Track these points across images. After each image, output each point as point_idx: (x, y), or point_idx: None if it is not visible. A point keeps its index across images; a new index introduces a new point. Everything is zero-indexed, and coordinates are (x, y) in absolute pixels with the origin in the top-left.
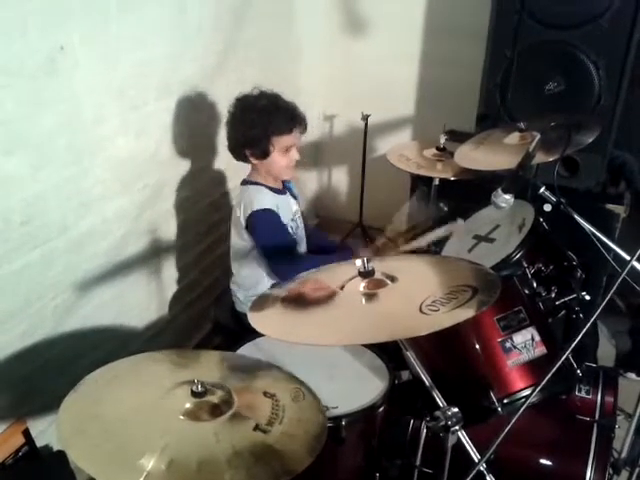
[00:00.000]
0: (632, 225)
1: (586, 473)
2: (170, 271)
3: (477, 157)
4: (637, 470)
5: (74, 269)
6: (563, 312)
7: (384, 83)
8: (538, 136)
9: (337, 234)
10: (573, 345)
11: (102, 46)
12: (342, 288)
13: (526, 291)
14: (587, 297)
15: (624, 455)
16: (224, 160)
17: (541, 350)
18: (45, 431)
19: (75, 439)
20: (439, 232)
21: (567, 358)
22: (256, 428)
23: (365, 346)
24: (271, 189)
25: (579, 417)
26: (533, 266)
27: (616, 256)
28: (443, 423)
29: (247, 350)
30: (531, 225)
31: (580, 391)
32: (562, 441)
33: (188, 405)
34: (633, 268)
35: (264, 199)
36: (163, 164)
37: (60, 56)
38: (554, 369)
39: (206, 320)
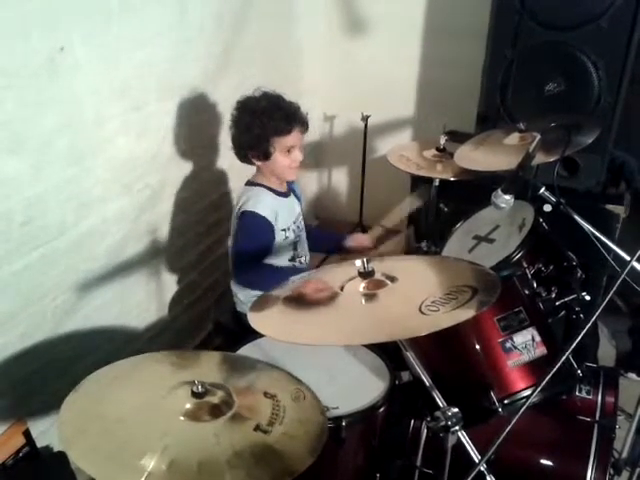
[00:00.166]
0: (632, 225)
1: (587, 473)
2: (171, 271)
3: (477, 158)
4: (638, 470)
5: (75, 270)
6: (563, 312)
7: (384, 84)
8: (538, 137)
9: None
10: (573, 345)
11: (103, 46)
12: (342, 289)
13: (526, 291)
14: (587, 297)
15: (625, 455)
16: (226, 161)
17: (541, 350)
18: (46, 432)
19: (76, 440)
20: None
21: (567, 358)
22: (256, 428)
23: (365, 346)
24: (274, 192)
25: (580, 417)
26: (533, 266)
27: (616, 256)
28: (443, 423)
29: (248, 351)
30: (531, 225)
31: (581, 391)
32: (563, 441)
33: (188, 406)
34: (633, 268)
35: (262, 202)
36: (164, 165)
37: (61, 56)
38: (554, 369)
39: (206, 321)
